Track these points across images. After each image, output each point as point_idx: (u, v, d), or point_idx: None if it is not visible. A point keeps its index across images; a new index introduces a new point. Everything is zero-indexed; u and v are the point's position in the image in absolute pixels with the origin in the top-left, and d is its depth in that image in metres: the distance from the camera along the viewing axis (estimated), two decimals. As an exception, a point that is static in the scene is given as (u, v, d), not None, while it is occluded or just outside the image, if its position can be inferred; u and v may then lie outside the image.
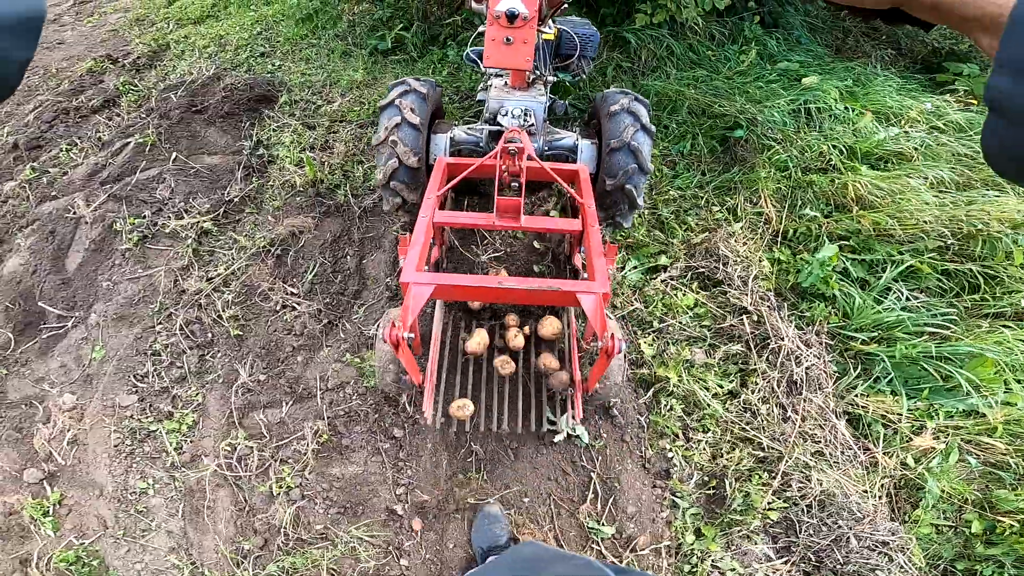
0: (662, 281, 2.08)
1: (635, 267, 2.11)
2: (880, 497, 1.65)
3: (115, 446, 1.79)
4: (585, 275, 1.79)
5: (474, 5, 1.87)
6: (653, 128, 1.87)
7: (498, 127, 1.89)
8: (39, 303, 2.22)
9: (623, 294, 2.05)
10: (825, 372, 1.89)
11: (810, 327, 1.98)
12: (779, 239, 2.22)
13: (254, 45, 3.72)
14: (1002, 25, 0.41)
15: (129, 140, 2.88)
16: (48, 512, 1.68)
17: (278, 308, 2.06)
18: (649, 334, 1.98)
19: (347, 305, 2.06)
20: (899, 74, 3.05)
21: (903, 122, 2.59)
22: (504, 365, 1.72)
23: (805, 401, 1.82)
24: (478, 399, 1.69)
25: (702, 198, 2.33)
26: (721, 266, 2.10)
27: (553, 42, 2.07)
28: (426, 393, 1.54)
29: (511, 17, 1.58)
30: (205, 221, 2.30)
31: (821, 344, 1.97)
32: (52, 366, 2.02)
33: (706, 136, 2.51)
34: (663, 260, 2.12)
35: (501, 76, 2.07)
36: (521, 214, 1.55)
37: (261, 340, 1.99)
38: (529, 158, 1.61)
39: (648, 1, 2.93)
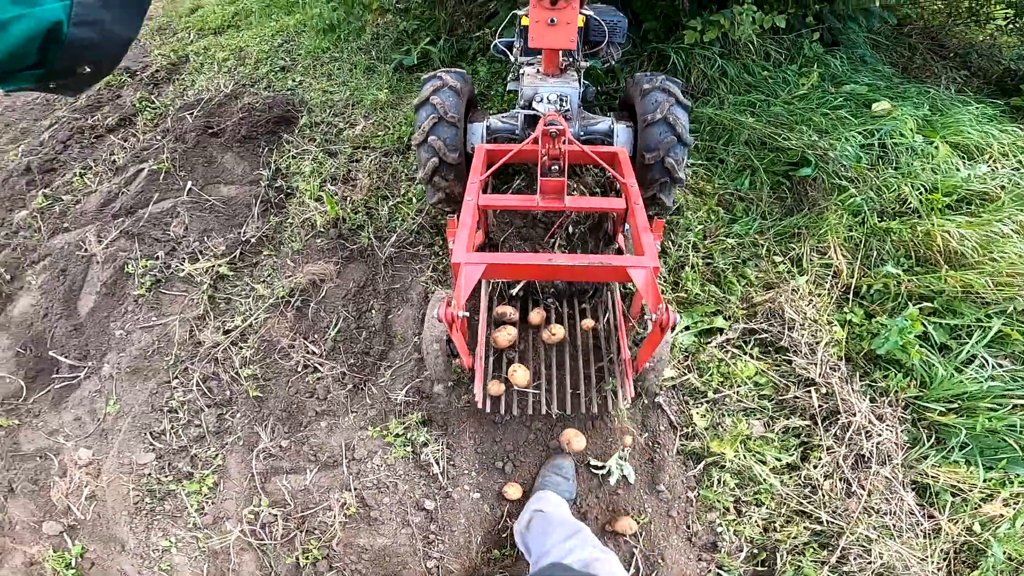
0: (719, 346, 1.86)
1: (687, 328, 1.89)
2: (938, 563, 1.52)
3: (135, 504, 1.73)
4: (627, 250, 1.78)
5: None
6: (689, 103, 1.86)
7: (534, 112, 1.90)
8: (51, 352, 2.10)
9: (674, 359, 1.83)
10: (896, 443, 1.72)
11: (883, 397, 1.77)
12: (851, 295, 1.97)
13: (274, 58, 3.55)
14: None
15: (143, 166, 2.73)
16: (71, 564, 1.64)
17: (299, 368, 1.91)
18: (702, 403, 1.78)
19: (372, 367, 1.89)
20: (973, 98, 2.75)
21: (987, 157, 2.32)
22: (552, 335, 1.74)
23: (873, 475, 1.65)
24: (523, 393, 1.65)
25: (762, 246, 2.09)
26: (786, 331, 1.88)
27: (582, 29, 2.05)
28: (476, 375, 1.56)
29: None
30: (221, 265, 2.14)
31: (895, 416, 1.76)
32: (66, 418, 1.94)
33: (767, 172, 2.26)
34: (719, 322, 1.90)
35: (533, 64, 2.08)
36: (565, 195, 1.56)
37: (282, 402, 1.86)
38: (568, 141, 1.60)
39: (698, 16, 2.67)
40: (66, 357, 2.06)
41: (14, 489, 1.80)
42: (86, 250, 2.40)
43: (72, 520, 1.72)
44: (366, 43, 3.29)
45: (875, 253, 2.03)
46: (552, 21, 1.67)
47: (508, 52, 2.28)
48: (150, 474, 1.76)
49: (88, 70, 0.43)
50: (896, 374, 1.78)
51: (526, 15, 2.09)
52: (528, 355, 1.73)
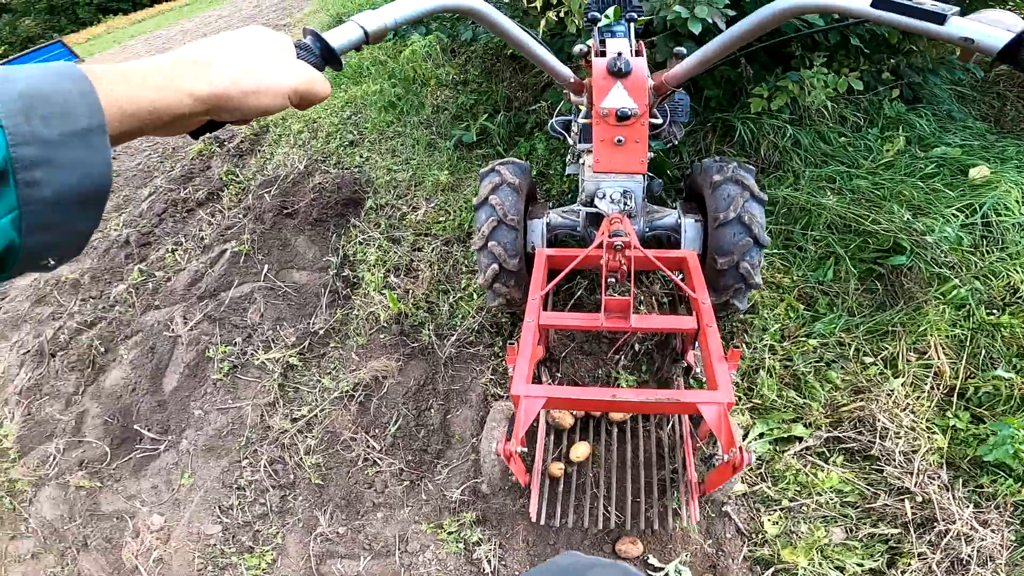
0: (797, 455, 1.71)
1: (762, 436, 1.75)
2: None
3: (198, 570, 1.84)
4: (697, 369, 1.69)
5: (573, 98, 1.73)
6: (764, 196, 1.70)
7: (596, 211, 1.77)
8: (135, 425, 2.28)
9: (741, 473, 1.71)
10: (1001, 544, 1.53)
11: (989, 503, 1.58)
12: (955, 398, 1.76)
13: (343, 132, 3.73)
14: None
15: (227, 247, 2.93)
16: None
17: (359, 461, 1.96)
18: (775, 511, 1.65)
19: (430, 465, 1.90)
20: None
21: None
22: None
23: None
24: (582, 494, 1.65)
25: (850, 346, 1.91)
26: (877, 439, 1.70)
27: None
28: (532, 492, 1.54)
29: (622, 117, 1.45)
30: (291, 355, 2.23)
31: (1001, 520, 1.56)
32: (144, 486, 2.11)
33: (854, 260, 2.08)
34: (799, 430, 1.75)
35: (592, 152, 1.91)
36: (631, 313, 1.48)
37: (342, 491, 1.93)
38: (632, 247, 1.51)
39: (763, 83, 2.55)
40: (149, 430, 2.25)
41: (88, 545, 1.98)
42: (173, 330, 2.58)
43: None
44: (427, 117, 3.39)
45: (983, 352, 1.81)
46: (619, 141, 1.50)
47: (566, 134, 2.24)
48: (215, 544, 1.87)
49: (52, 262, 0.42)
50: (1007, 479, 1.59)
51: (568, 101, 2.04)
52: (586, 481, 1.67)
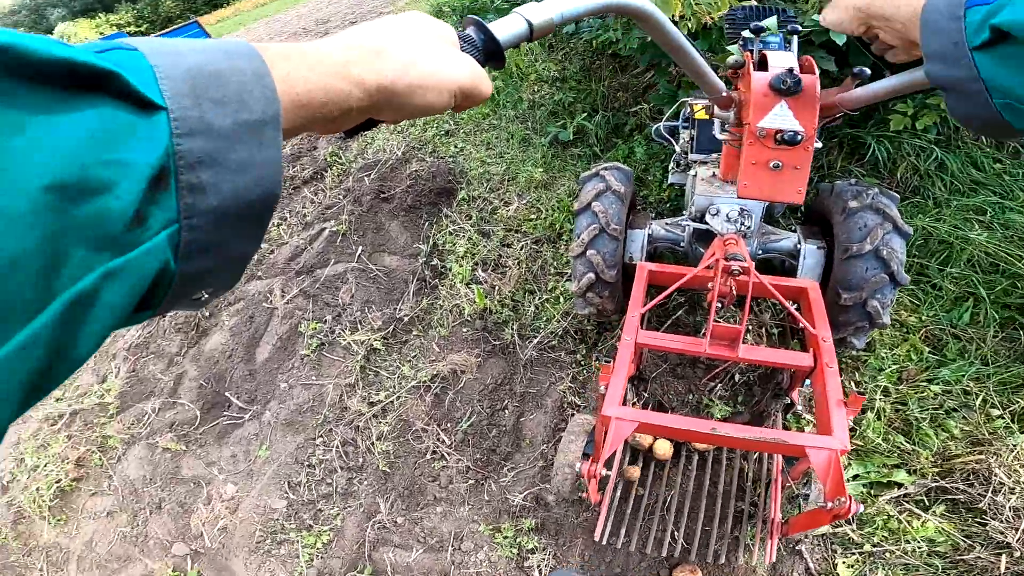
0: (893, 501, 1.56)
1: (856, 477, 1.59)
2: None
3: (256, 542, 1.93)
4: (800, 407, 1.59)
5: (718, 112, 1.52)
6: (909, 230, 1.52)
7: (706, 227, 1.65)
8: (226, 392, 2.42)
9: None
10: None
11: None
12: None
13: (440, 120, 3.79)
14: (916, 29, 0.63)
15: (325, 226, 3.07)
16: None
17: (428, 453, 1.97)
18: (853, 554, 1.51)
19: (497, 465, 1.89)
20: None
21: None
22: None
23: None
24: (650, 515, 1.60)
25: (976, 396, 1.67)
26: (989, 493, 1.50)
27: None
28: (601, 512, 1.51)
29: (790, 141, 1.25)
30: (375, 340, 2.29)
31: None
32: (224, 454, 2.22)
33: (996, 305, 1.81)
34: (901, 476, 1.58)
35: (707, 164, 1.80)
36: (740, 343, 1.37)
37: (406, 481, 1.95)
38: (747, 272, 1.37)
39: (908, 99, 2.26)
40: (237, 398, 2.37)
41: (161, 508, 2.11)
42: (271, 302, 2.74)
43: (199, 546, 1.96)
44: (523, 112, 3.36)
45: None
46: (776, 166, 1.30)
47: (672, 140, 2.11)
48: (278, 519, 1.96)
49: (205, 295, 0.34)
50: None
51: (699, 106, 1.91)
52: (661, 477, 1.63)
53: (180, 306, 0.34)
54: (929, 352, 1.79)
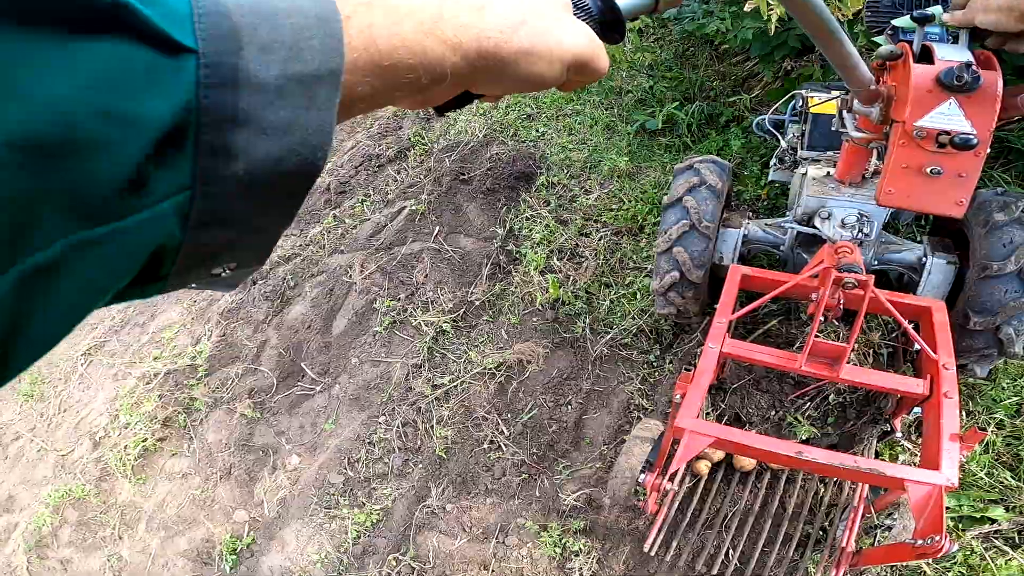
0: (982, 537, 1.41)
1: (948, 509, 1.42)
2: None
3: (310, 515, 1.99)
4: (899, 435, 1.49)
5: (858, 107, 1.31)
6: None
7: (814, 232, 1.50)
8: (302, 362, 2.52)
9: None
10: None
11: None
12: None
13: (522, 104, 3.73)
14: None
15: (406, 205, 3.12)
16: (236, 550, 1.97)
17: (485, 442, 1.96)
18: None
19: (552, 462, 1.86)
20: None
21: None
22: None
23: None
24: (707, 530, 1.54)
25: None
26: None
27: None
28: (655, 522, 1.48)
29: (956, 144, 1.09)
30: (445, 322, 2.30)
31: None
32: (294, 424, 2.30)
33: None
34: (997, 512, 1.42)
35: (820, 163, 1.64)
36: (843, 363, 1.26)
37: (460, 467, 1.95)
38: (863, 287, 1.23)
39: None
40: (311, 369, 2.45)
41: (231, 473, 2.20)
42: (350, 276, 2.83)
43: (258, 514, 2.04)
44: (609, 99, 3.22)
45: None
46: (935, 172, 1.16)
47: (778, 134, 1.93)
48: (333, 495, 2.00)
49: (226, 271, 0.29)
50: None
51: (815, 98, 1.73)
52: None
53: (198, 283, 0.29)
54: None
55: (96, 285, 0.24)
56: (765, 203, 2.22)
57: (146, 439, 2.34)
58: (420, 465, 1.98)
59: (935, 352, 1.25)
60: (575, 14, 0.43)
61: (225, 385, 2.51)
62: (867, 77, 1.10)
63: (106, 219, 0.22)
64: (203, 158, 0.24)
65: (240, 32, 0.24)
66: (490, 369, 2.09)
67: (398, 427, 2.09)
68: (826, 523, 1.47)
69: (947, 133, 1.08)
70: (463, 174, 3.16)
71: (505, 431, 1.94)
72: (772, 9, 1.88)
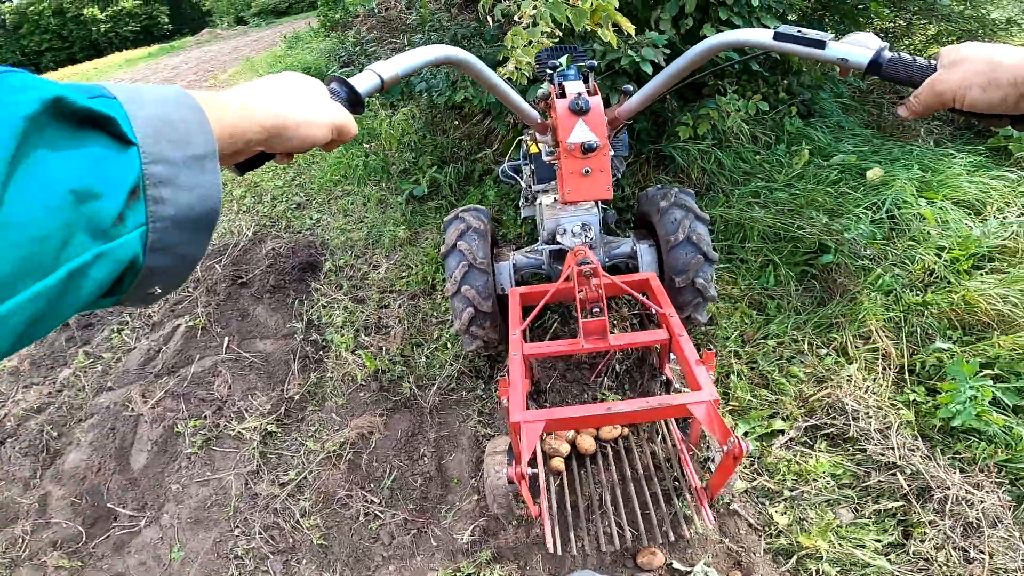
0: (783, 447, 1.84)
1: (746, 435, 1.87)
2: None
3: None
4: (676, 383, 1.77)
5: (539, 137, 1.85)
6: (706, 215, 1.85)
7: (559, 247, 1.88)
8: (107, 504, 2.14)
9: (740, 466, 1.81)
10: (1002, 505, 1.64)
11: (972, 466, 1.71)
12: (907, 375, 1.95)
13: (289, 194, 3.74)
14: None
15: (179, 322, 2.83)
16: None
17: (360, 517, 1.91)
18: (779, 502, 1.73)
19: (433, 511, 1.89)
20: (954, 147, 2.83)
21: (992, 209, 2.36)
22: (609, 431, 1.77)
23: (988, 538, 1.57)
24: (591, 515, 1.67)
25: (802, 341, 2.09)
26: (851, 421, 1.84)
27: None
28: (545, 524, 1.57)
29: (588, 149, 1.57)
30: (268, 424, 2.18)
31: (991, 481, 1.68)
32: (131, 562, 1.96)
33: (788, 264, 2.31)
34: (778, 424, 1.87)
35: (548, 192, 2.05)
36: (608, 333, 1.56)
37: (347, 549, 1.86)
38: (599, 275, 1.59)
39: (687, 111, 2.83)
40: (124, 508, 2.12)
41: None
42: (133, 409, 2.45)
43: None
44: (376, 175, 3.46)
45: (918, 330, 2.02)
46: (586, 172, 1.59)
47: (517, 177, 2.36)
48: None
49: (159, 291, 0.43)
50: (979, 442, 1.73)
51: (533, 141, 2.17)
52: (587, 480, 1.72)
53: (136, 300, 0.43)
54: (756, 314, 2.21)
55: (98, 284, 0.38)
56: (525, 238, 2.66)
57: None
58: (304, 561, 1.84)
59: (662, 307, 1.59)
60: (331, 98, 0.71)
61: (16, 544, 2.04)
62: (532, 115, 1.57)
63: (108, 239, 0.37)
64: (150, 204, 0.39)
65: (157, 133, 0.40)
66: (335, 451, 2.04)
67: (260, 533, 1.91)
68: (675, 475, 1.67)
69: (583, 143, 1.56)
70: (240, 277, 3.02)
71: (375, 499, 1.91)
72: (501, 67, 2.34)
